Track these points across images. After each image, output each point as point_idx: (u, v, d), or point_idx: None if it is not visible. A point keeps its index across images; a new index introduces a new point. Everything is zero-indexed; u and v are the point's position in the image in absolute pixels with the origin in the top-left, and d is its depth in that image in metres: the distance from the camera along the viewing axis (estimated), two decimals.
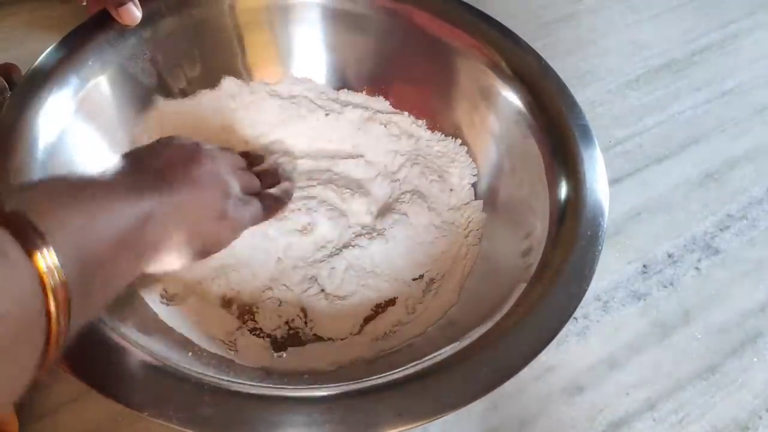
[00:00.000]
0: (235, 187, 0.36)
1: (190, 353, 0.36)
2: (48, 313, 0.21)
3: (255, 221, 0.38)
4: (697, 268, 0.48)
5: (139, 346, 0.31)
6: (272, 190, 0.42)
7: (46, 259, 0.21)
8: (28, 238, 0.21)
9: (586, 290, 0.34)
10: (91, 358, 0.30)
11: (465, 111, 0.50)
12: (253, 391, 0.30)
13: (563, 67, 0.46)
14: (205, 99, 0.49)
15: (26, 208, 0.22)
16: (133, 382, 0.29)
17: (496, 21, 0.48)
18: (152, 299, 0.39)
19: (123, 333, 0.32)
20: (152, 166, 0.32)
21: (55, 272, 0.21)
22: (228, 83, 0.50)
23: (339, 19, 0.51)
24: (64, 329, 0.22)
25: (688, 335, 0.45)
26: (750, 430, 0.41)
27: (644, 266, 0.48)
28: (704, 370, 0.43)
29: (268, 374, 0.37)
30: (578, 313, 0.36)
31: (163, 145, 0.35)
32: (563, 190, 0.39)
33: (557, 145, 0.41)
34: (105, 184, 0.28)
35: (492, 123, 0.47)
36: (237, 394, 0.30)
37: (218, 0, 0.49)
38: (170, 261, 0.32)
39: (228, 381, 0.31)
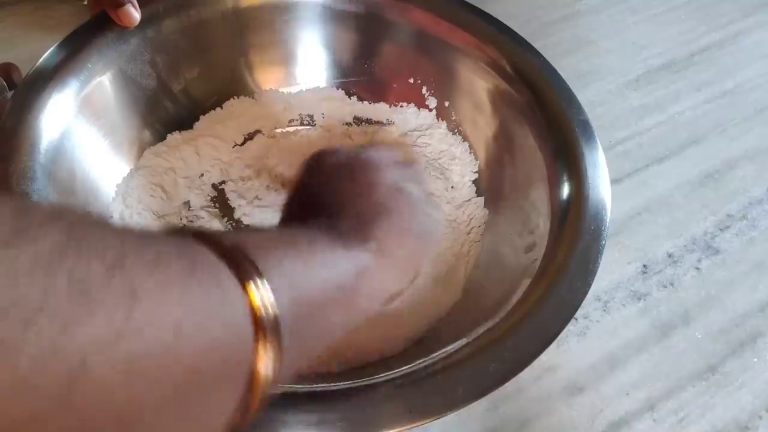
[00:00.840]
0: (418, 192, 0.32)
1: None
2: (255, 356, 0.19)
3: (442, 225, 0.35)
4: (697, 268, 0.48)
5: None
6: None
7: (261, 293, 0.19)
8: (244, 270, 0.19)
9: (590, 284, 0.34)
10: None
11: (466, 109, 0.50)
12: None
13: (563, 67, 0.46)
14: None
15: (244, 244, 0.20)
16: None
17: (497, 20, 0.49)
18: None
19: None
20: (333, 203, 0.29)
21: (269, 308, 0.19)
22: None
23: (340, 19, 0.51)
24: (272, 371, 0.19)
25: (688, 335, 0.45)
26: (750, 430, 0.41)
27: (644, 266, 0.48)
28: (704, 370, 0.43)
29: None
30: (578, 313, 0.36)
31: (321, 170, 0.31)
32: (565, 186, 0.39)
33: (559, 142, 0.42)
34: (307, 230, 0.26)
35: (493, 121, 0.48)
36: None
37: (220, 0, 0.49)
38: (383, 304, 0.29)
39: None
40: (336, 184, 0.31)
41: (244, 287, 0.19)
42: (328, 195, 0.30)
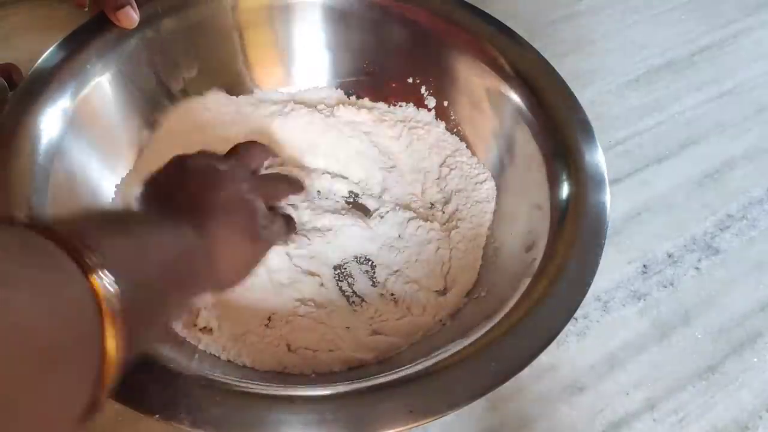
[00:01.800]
0: (261, 206, 0.35)
1: (197, 355, 0.37)
2: (103, 331, 0.21)
3: (279, 238, 0.39)
4: (697, 268, 0.48)
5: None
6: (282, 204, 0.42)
7: (101, 276, 0.21)
8: (85, 258, 0.21)
9: (590, 284, 0.34)
10: None
11: (465, 109, 0.50)
12: (263, 390, 0.30)
13: (563, 67, 0.46)
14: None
15: (82, 233, 0.22)
16: (142, 386, 0.29)
17: (497, 20, 0.49)
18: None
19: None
20: (179, 199, 0.32)
21: (112, 294, 0.21)
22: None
23: (339, 19, 0.51)
24: (121, 351, 0.21)
25: (688, 335, 0.45)
26: (750, 430, 0.41)
27: (644, 266, 0.48)
28: (704, 370, 0.43)
29: (276, 375, 0.37)
30: (578, 313, 0.36)
31: (179, 170, 0.34)
32: (565, 186, 0.39)
33: (558, 142, 0.42)
34: (146, 217, 0.29)
35: (492, 121, 0.47)
36: (247, 394, 0.30)
37: (219, 0, 0.49)
38: (211, 290, 0.33)
39: (237, 381, 0.31)
40: (188, 183, 0.33)
41: (85, 273, 0.21)
42: (177, 192, 0.33)
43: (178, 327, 0.39)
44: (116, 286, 0.21)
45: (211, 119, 0.49)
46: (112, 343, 0.21)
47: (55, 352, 0.18)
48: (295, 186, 0.41)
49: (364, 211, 0.47)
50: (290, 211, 0.43)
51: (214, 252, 0.31)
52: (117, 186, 0.44)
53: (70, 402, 0.20)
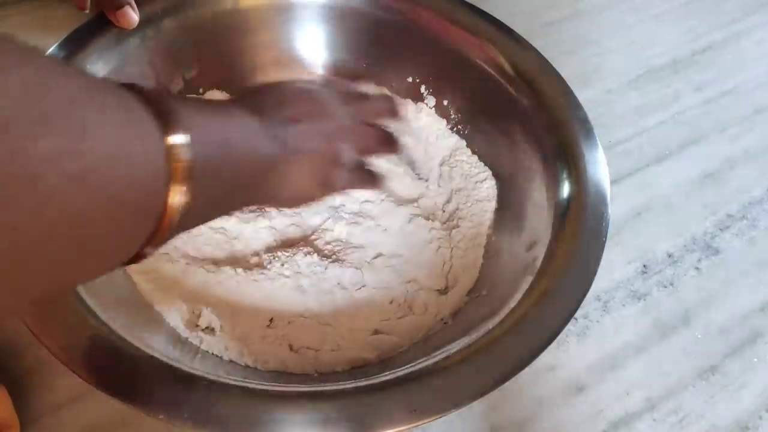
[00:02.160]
0: (348, 155, 0.35)
1: (199, 355, 0.37)
2: (167, 192, 0.22)
3: (349, 187, 0.38)
4: (697, 268, 0.48)
5: (150, 348, 0.32)
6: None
7: (177, 139, 0.22)
8: (166, 120, 0.22)
9: (591, 284, 0.34)
10: (104, 364, 0.30)
11: (466, 108, 0.50)
12: (267, 389, 0.30)
13: (563, 67, 0.46)
14: None
15: (170, 101, 0.23)
16: (145, 386, 0.29)
17: (497, 20, 0.49)
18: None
19: (135, 337, 0.32)
20: (281, 111, 0.32)
21: (183, 153, 0.22)
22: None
23: (339, 18, 0.51)
24: (179, 213, 0.23)
25: (688, 335, 0.45)
26: (750, 430, 0.41)
27: (644, 266, 0.48)
28: (704, 370, 0.43)
29: (278, 375, 0.37)
30: (578, 313, 0.36)
31: (292, 90, 0.35)
32: (566, 185, 0.39)
33: (559, 141, 0.42)
34: (239, 112, 0.29)
35: (493, 120, 0.48)
36: (250, 393, 0.30)
37: (219, 0, 0.49)
38: (269, 200, 0.34)
39: (240, 380, 0.31)
40: (293, 98, 0.34)
41: (164, 132, 0.22)
42: (280, 101, 0.33)
43: (180, 328, 0.39)
44: (190, 150, 0.22)
45: None
46: (175, 196, 0.22)
47: (128, 197, 0.20)
48: (392, 145, 0.40)
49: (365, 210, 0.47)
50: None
51: (286, 169, 0.31)
52: None
53: (127, 241, 0.22)
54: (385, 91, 0.51)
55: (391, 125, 0.40)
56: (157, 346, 0.33)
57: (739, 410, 0.41)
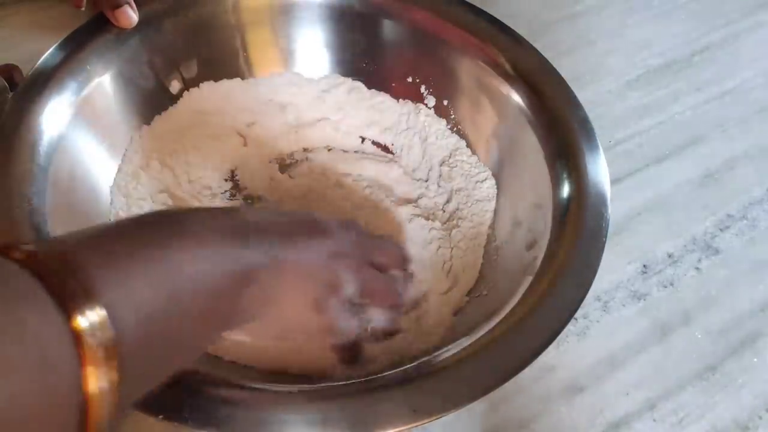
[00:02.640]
0: (350, 288, 0.29)
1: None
2: (85, 377, 0.17)
3: (349, 337, 0.31)
4: (697, 268, 0.48)
5: None
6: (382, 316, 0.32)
7: (89, 316, 0.17)
8: (68, 292, 0.17)
9: (591, 283, 0.34)
10: None
11: (465, 108, 0.50)
12: (267, 389, 0.30)
13: (563, 67, 0.46)
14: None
15: (75, 256, 0.18)
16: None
17: (497, 20, 0.49)
18: None
19: None
20: (265, 220, 0.26)
21: (100, 331, 0.17)
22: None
23: (339, 18, 0.51)
24: (108, 406, 0.17)
25: (688, 335, 0.45)
26: (750, 430, 0.41)
27: (644, 266, 0.48)
28: (704, 370, 0.43)
29: (279, 374, 0.37)
30: (578, 313, 0.36)
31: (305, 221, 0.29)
32: (566, 185, 0.39)
33: (559, 141, 0.42)
34: (196, 222, 0.22)
35: (493, 120, 0.48)
36: (250, 393, 0.30)
37: (219, 0, 0.49)
38: (252, 331, 0.27)
39: (241, 381, 0.31)
40: (286, 216, 0.28)
41: (67, 311, 0.17)
42: (271, 215, 0.28)
43: None
44: (110, 328, 0.17)
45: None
46: (96, 387, 0.17)
47: (27, 410, 0.16)
48: (396, 304, 0.33)
49: None
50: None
51: (282, 287, 0.25)
52: (111, 187, 0.43)
53: None
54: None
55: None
56: None
57: (739, 410, 0.41)
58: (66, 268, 0.17)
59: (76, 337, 0.17)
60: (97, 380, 0.17)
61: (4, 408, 0.15)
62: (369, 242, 0.32)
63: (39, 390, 0.16)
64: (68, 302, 0.17)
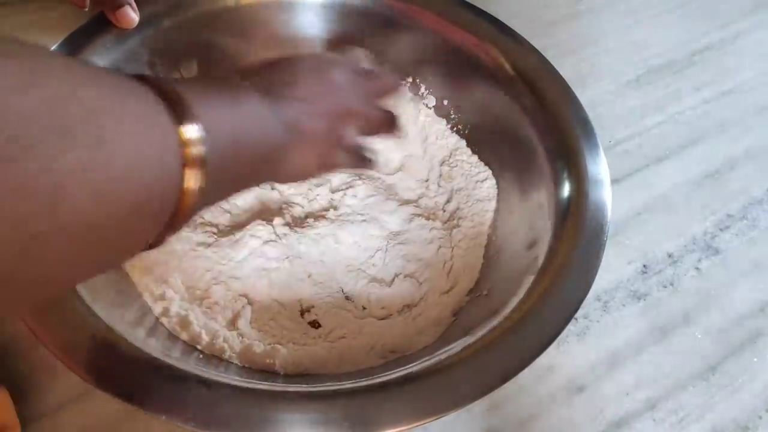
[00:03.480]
0: (351, 135, 0.36)
1: (200, 356, 0.37)
2: (182, 183, 0.23)
3: (354, 163, 0.37)
4: (697, 268, 0.48)
5: (152, 350, 0.32)
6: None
7: (191, 133, 0.23)
8: (180, 113, 0.23)
9: (592, 283, 0.34)
10: (104, 364, 0.30)
11: (465, 108, 0.50)
12: (270, 389, 0.30)
13: (563, 67, 0.46)
14: None
15: (183, 91, 0.24)
16: (146, 386, 0.29)
17: (497, 20, 0.49)
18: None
19: (136, 338, 0.32)
20: (291, 90, 0.33)
21: (198, 144, 0.23)
22: None
23: (339, 18, 0.51)
24: (194, 202, 0.24)
25: (688, 335, 0.45)
26: (750, 430, 0.41)
27: (644, 266, 0.48)
28: (704, 370, 0.43)
29: (280, 375, 0.37)
30: (578, 313, 0.36)
31: (301, 69, 0.35)
32: (566, 185, 0.40)
33: (559, 141, 0.42)
34: (248, 90, 0.30)
35: (493, 120, 0.48)
36: (252, 393, 0.30)
37: (220, 0, 0.49)
38: (274, 177, 0.34)
39: (243, 382, 0.31)
40: (303, 76, 0.34)
41: (178, 125, 0.23)
42: (291, 74, 0.34)
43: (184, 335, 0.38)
44: (203, 142, 0.23)
45: None
46: (190, 187, 0.23)
47: (147, 199, 0.21)
48: (392, 126, 0.40)
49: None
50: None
51: (293, 147, 0.32)
52: None
53: (147, 235, 0.23)
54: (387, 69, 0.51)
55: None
56: (156, 346, 0.33)
57: (739, 410, 0.41)
58: (178, 96, 0.23)
59: (183, 144, 0.23)
60: (191, 179, 0.23)
61: (131, 178, 0.20)
62: (366, 83, 0.38)
63: (157, 171, 0.21)
64: (180, 119, 0.23)
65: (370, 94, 0.38)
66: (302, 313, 0.42)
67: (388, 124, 0.39)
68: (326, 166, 0.36)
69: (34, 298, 0.21)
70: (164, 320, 0.38)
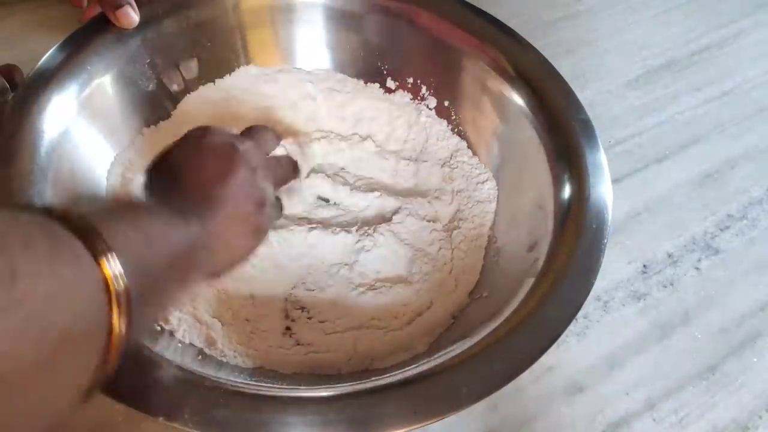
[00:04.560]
0: (270, 195, 0.36)
1: (199, 357, 0.37)
2: (111, 312, 0.22)
3: (273, 223, 0.38)
4: (697, 268, 0.48)
5: (152, 351, 0.32)
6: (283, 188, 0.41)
7: (112, 266, 0.22)
8: (97, 247, 0.22)
9: (593, 284, 0.34)
10: None
11: (466, 109, 0.50)
12: (268, 392, 0.30)
13: (563, 67, 0.46)
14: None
15: (94, 221, 0.23)
16: (146, 387, 0.29)
17: (498, 20, 0.49)
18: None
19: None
20: (190, 178, 0.32)
21: (120, 279, 0.22)
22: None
23: (340, 19, 0.51)
24: (124, 338, 0.23)
25: (688, 335, 0.45)
26: (750, 430, 0.41)
27: (644, 266, 0.48)
28: (704, 370, 0.43)
29: (280, 375, 0.37)
30: (578, 313, 0.36)
31: (196, 146, 0.34)
32: (567, 186, 0.40)
33: (560, 142, 0.42)
34: (153, 206, 0.30)
35: (494, 121, 0.48)
36: (251, 395, 0.30)
37: (220, 0, 0.49)
38: (208, 278, 0.33)
39: (242, 383, 0.31)
40: (202, 161, 0.33)
41: (98, 262, 0.22)
42: (190, 167, 0.33)
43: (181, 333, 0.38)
44: (122, 270, 0.22)
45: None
46: (117, 323, 0.22)
47: (72, 337, 0.20)
48: (296, 171, 0.42)
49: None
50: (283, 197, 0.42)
51: (216, 244, 0.31)
52: (108, 172, 0.43)
53: (79, 379, 0.22)
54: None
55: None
56: (158, 349, 0.33)
57: (739, 410, 0.42)
58: (94, 230, 0.22)
59: (105, 282, 0.22)
60: (118, 318, 0.22)
61: (53, 326, 0.19)
62: (257, 136, 0.38)
63: (80, 318, 0.20)
64: (98, 256, 0.22)
65: (266, 144, 0.38)
66: (286, 314, 0.42)
67: (294, 169, 0.40)
68: (260, 232, 0.35)
69: None
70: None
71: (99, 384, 0.23)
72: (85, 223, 0.22)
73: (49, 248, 0.20)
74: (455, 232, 0.46)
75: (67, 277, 0.20)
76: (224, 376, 0.33)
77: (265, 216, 0.35)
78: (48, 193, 0.36)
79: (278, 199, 0.39)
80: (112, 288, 0.22)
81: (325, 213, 0.47)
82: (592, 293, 0.35)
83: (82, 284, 0.21)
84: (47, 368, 0.19)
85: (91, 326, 0.21)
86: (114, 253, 0.22)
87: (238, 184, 0.33)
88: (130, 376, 0.30)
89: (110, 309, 0.22)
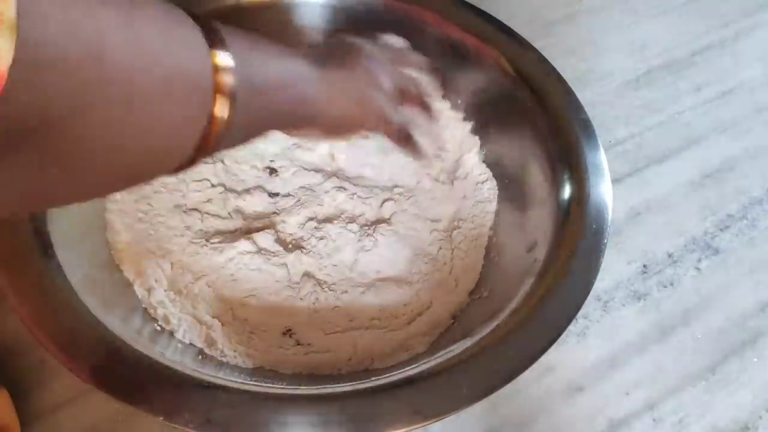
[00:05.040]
0: (387, 82, 0.36)
1: (199, 357, 0.37)
2: (214, 99, 0.23)
3: (385, 128, 0.37)
4: (697, 268, 0.48)
5: (151, 350, 0.32)
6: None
7: (223, 59, 0.23)
8: (213, 39, 0.23)
9: (593, 284, 0.34)
10: (104, 364, 0.30)
11: (467, 109, 0.50)
12: (268, 391, 0.30)
13: (563, 67, 0.46)
14: None
15: (217, 23, 0.24)
16: (145, 386, 0.29)
17: (497, 20, 0.49)
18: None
19: (135, 340, 0.32)
20: (318, 51, 0.34)
21: (228, 71, 0.23)
22: None
23: (340, 18, 0.51)
24: (227, 118, 0.23)
25: (688, 335, 0.45)
26: (750, 430, 0.41)
27: (644, 266, 0.48)
28: (704, 370, 0.43)
29: (280, 375, 0.37)
30: (578, 313, 0.36)
31: (345, 47, 0.36)
32: (567, 186, 0.40)
33: (560, 142, 0.42)
34: (289, 49, 0.30)
35: (494, 121, 0.47)
36: (251, 395, 0.30)
37: (220, 1, 0.49)
38: (311, 127, 0.34)
39: (242, 383, 0.31)
40: (341, 51, 0.35)
41: (212, 48, 0.23)
42: (324, 49, 0.35)
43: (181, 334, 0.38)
44: (233, 73, 0.23)
45: None
46: (219, 112, 0.23)
47: (177, 87, 0.21)
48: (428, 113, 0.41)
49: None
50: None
51: (324, 92, 0.32)
52: None
53: (189, 131, 0.23)
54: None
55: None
56: (158, 349, 0.34)
57: (739, 410, 0.42)
58: (215, 29, 0.23)
59: (215, 69, 0.23)
60: (220, 106, 0.23)
61: (164, 55, 0.20)
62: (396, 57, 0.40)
63: (194, 79, 0.22)
64: (213, 46, 0.23)
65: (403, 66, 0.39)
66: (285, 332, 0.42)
67: (418, 99, 0.40)
68: (366, 107, 0.35)
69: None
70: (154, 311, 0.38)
71: (198, 158, 0.24)
72: (208, 21, 0.23)
73: (171, 19, 0.21)
74: (455, 232, 0.46)
75: (180, 43, 0.21)
76: (224, 376, 0.33)
77: (378, 99, 0.35)
78: None
79: (407, 132, 0.38)
80: (219, 75, 0.23)
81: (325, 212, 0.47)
82: (592, 293, 0.35)
83: (194, 56, 0.22)
84: (155, 105, 0.20)
85: (196, 95, 0.22)
86: (229, 51, 0.23)
87: (359, 61, 0.35)
88: (130, 376, 0.30)
89: (215, 93, 0.23)
